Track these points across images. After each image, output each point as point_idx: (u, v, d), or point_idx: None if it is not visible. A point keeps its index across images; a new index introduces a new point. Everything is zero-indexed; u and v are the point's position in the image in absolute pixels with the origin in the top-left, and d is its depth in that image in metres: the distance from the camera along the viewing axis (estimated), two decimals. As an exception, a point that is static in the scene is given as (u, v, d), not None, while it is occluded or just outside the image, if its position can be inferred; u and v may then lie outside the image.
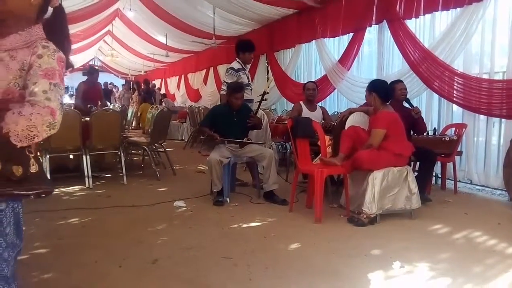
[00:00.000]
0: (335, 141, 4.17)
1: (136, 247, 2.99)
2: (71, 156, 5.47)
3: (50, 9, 1.51)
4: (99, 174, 5.58)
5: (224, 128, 4.41)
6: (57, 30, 1.48)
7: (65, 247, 3.00)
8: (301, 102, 5.26)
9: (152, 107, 7.76)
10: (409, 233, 3.34)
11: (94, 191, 4.81)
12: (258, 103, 4.82)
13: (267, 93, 4.92)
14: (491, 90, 4.69)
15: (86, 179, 4.96)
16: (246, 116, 4.50)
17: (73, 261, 2.71)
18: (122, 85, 16.96)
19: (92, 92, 6.98)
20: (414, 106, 4.53)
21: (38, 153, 1.46)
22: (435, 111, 5.66)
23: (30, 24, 1.40)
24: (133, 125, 8.72)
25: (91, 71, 7.36)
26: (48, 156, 4.77)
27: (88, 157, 5.00)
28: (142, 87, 12.60)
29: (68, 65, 1.51)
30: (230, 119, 4.45)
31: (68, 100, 17.81)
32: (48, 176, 4.66)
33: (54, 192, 4.67)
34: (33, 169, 1.34)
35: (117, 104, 12.18)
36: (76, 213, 3.84)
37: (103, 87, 16.65)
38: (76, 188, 4.92)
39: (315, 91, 5.32)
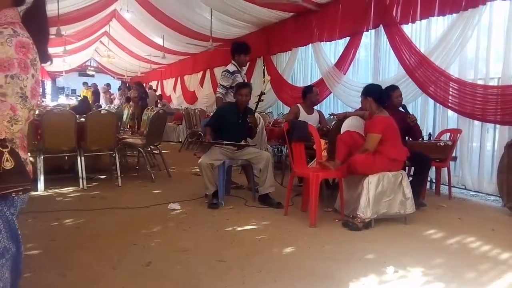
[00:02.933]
0: (331, 145, 4.18)
1: (130, 249, 2.97)
2: (66, 157, 5.44)
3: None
4: (93, 176, 5.55)
5: (229, 129, 4.39)
6: (35, 19, 1.40)
7: (58, 248, 2.98)
8: (299, 105, 5.25)
9: (148, 108, 7.74)
10: (403, 238, 3.35)
11: (88, 193, 4.79)
12: (256, 103, 4.81)
13: (264, 93, 4.92)
14: (486, 96, 4.72)
15: (81, 180, 4.94)
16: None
17: (66, 262, 2.69)
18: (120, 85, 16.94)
19: None
20: (410, 113, 4.54)
21: (19, 150, 1.36)
22: (430, 116, 5.69)
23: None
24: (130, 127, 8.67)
25: None
26: (42, 157, 4.75)
27: (82, 158, 4.97)
28: (133, 89, 12.52)
29: (46, 58, 1.45)
30: (235, 120, 4.44)
31: (63, 100, 17.80)
32: (42, 177, 4.69)
33: (48, 193, 4.65)
34: (7, 165, 1.24)
35: (112, 105, 12.14)
36: (70, 214, 3.82)
37: (93, 89, 16.80)
38: (70, 189, 4.89)
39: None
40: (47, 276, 2.48)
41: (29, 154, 1.47)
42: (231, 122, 4.42)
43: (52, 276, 2.49)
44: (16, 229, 1.37)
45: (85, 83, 18.08)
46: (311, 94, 5.18)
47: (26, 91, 1.26)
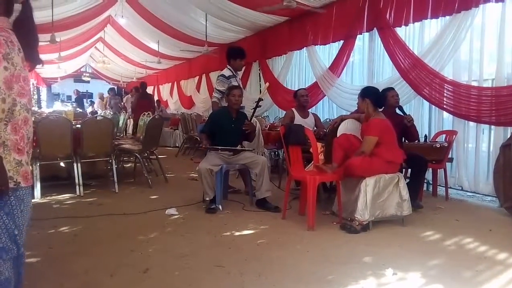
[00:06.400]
0: (327, 148, 4.19)
1: (128, 256, 2.96)
2: (62, 164, 5.42)
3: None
4: (90, 182, 5.53)
5: (223, 134, 4.40)
6: (24, 24, 1.50)
7: (56, 256, 2.97)
8: (293, 109, 5.28)
9: (144, 114, 7.74)
10: (401, 240, 3.35)
11: (85, 199, 4.77)
12: (253, 109, 4.82)
13: (262, 99, 4.94)
14: (480, 97, 4.75)
15: (77, 187, 4.91)
16: (243, 124, 4.51)
17: (64, 270, 2.68)
18: (108, 90, 16.73)
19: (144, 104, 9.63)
20: (407, 114, 4.57)
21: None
22: (426, 118, 5.72)
23: None
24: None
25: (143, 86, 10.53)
26: (38, 164, 4.73)
27: (79, 164, 4.95)
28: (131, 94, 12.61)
29: (37, 61, 1.54)
30: (228, 125, 4.45)
31: (59, 106, 17.74)
32: (39, 184, 4.66)
33: (45, 200, 4.62)
34: None
35: (108, 111, 12.12)
36: (67, 222, 3.80)
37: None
38: (67, 196, 4.87)
39: (308, 96, 5.38)
40: (44, 284, 2.46)
41: (26, 156, 1.51)
42: (224, 127, 4.43)
43: (49, 284, 2.47)
44: (13, 229, 1.40)
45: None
46: (297, 97, 5.27)
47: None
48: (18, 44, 1.44)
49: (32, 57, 1.53)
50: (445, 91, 5.10)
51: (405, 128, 4.43)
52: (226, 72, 5.01)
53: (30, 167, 1.54)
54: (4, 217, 1.40)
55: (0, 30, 1.41)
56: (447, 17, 5.02)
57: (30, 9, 1.55)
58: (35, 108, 13.91)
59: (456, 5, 4.83)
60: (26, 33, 1.50)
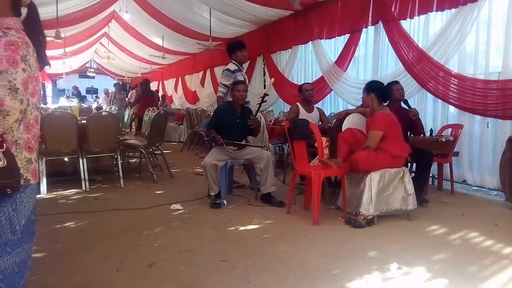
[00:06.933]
0: (332, 143, 4.18)
1: (134, 250, 2.98)
2: (65, 159, 5.44)
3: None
4: (96, 177, 5.56)
5: (228, 129, 4.39)
6: (31, 26, 1.52)
7: (62, 251, 2.99)
8: (298, 104, 5.27)
9: (149, 109, 7.75)
10: (406, 234, 3.35)
11: (91, 194, 4.80)
12: (258, 105, 4.80)
13: (268, 95, 4.92)
14: (486, 90, 4.71)
15: (83, 182, 4.95)
16: (248, 119, 4.50)
17: (70, 265, 2.70)
18: (114, 85, 16.73)
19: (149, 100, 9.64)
20: (412, 108, 4.55)
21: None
22: (429, 112, 5.67)
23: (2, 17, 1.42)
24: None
25: (146, 83, 10.38)
26: (44, 159, 4.76)
27: (84, 160, 4.98)
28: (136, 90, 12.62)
29: (44, 62, 1.55)
30: (233, 120, 4.43)
31: (64, 102, 17.81)
32: (45, 180, 4.70)
33: (51, 196, 4.64)
34: None
35: (113, 107, 12.15)
36: (73, 217, 3.83)
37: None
38: (73, 191, 4.90)
39: (313, 91, 5.37)
40: (51, 279, 2.49)
41: (35, 154, 1.55)
42: (229, 122, 4.42)
43: (56, 278, 2.50)
44: (15, 224, 1.43)
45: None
46: (302, 92, 5.28)
47: (16, 83, 1.36)
48: (31, 45, 1.46)
49: (40, 58, 1.55)
50: (450, 85, 5.06)
51: (410, 122, 4.40)
52: (231, 66, 4.99)
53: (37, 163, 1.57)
54: (11, 213, 1.42)
55: (16, 31, 1.42)
56: (453, 10, 4.98)
57: (35, 10, 1.57)
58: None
59: (462, -3, 4.78)
60: (34, 34, 1.51)
